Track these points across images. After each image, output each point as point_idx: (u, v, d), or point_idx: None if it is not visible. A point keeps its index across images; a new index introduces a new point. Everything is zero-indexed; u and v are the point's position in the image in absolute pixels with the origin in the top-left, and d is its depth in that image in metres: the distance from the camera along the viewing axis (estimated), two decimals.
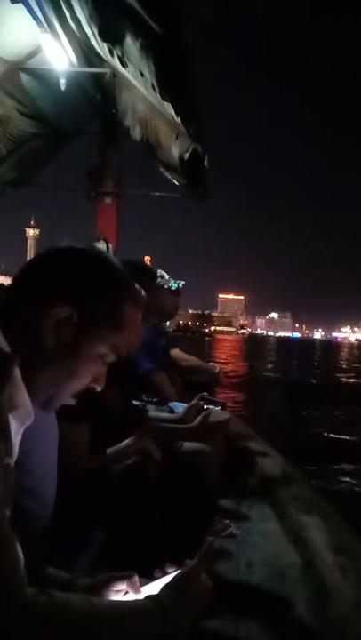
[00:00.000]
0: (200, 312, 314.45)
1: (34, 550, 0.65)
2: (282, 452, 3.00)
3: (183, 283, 2.88)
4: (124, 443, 1.47)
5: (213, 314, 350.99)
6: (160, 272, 2.78)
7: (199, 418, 1.82)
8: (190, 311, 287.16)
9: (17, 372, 0.63)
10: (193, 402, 2.03)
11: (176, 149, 3.86)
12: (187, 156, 3.70)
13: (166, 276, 2.79)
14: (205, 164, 3.76)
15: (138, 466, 1.46)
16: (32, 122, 4.74)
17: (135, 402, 2.06)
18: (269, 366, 27.57)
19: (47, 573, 0.83)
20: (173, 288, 2.81)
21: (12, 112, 4.56)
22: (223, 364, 19.22)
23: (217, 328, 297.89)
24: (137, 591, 0.77)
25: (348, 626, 1.47)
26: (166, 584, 0.73)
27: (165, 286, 2.77)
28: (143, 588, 0.78)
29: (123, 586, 0.78)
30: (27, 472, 0.68)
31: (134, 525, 1.27)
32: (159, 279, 2.73)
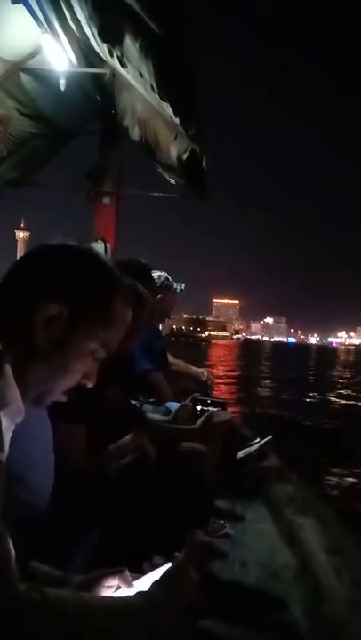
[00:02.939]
0: (194, 317, 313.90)
1: (28, 540, 0.65)
2: (279, 453, 3.00)
3: (184, 285, 2.93)
4: (120, 441, 1.47)
5: (208, 318, 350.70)
6: (165, 274, 2.81)
7: (202, 419, 1.82)
8: (185, 316, 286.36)
9: (8, 368, 0.64)
10: (184, 402, 2.03)
11: (174, 150, 3.88)
12: (185, 156, 3.72)
13: (170, 279, 2.83)
14: (204, 164, 3.77)
15: (135, 465, 1.46)
16: (32, 122, 4.74)
17: (132, 401, 2.06)
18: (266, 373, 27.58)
19: (40, 571, 0.83)
20: (178, 291, 2.86)
21: (12, 112, 4.56)
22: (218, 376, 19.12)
23: (212, 333, 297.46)
24: (129, 585, 0.77)
25: (342, 627, 1.47)
26: (155, 580, 0.73)
27: (172, 288, 2.81)
28: (134, 583, 0.78)
29: (114, 582, 0.78)
30: (13, 459, 0.68)
31: (130, 525, 1.27)
32: (165, 280, 2.77)
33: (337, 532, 2.06)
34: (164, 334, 3.55)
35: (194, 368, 3.42)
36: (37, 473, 0.82)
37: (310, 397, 16.00)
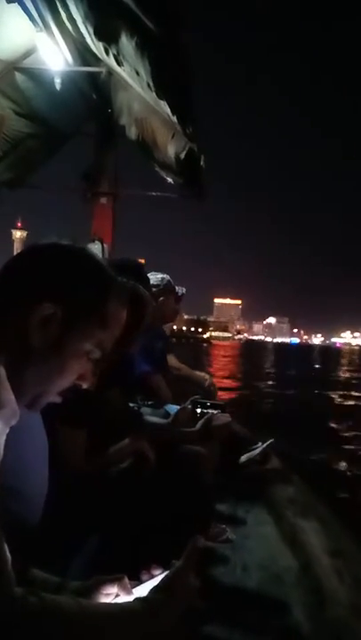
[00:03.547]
0: (195, 317, 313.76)
1: (21, 551, 0.65)
2: (280, 456, 2.99)
3: (185, 289, 2.92)
4: (118, 444, 1.46)
5: (209, 319, 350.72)
6: (168, 277, 2.79)
7: (201, 422, 1.80)
8: (185, 316, 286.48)
9: (2, 370, 0.63)
10: (183, 405, 2.02)
11: (172, 149, 3.86)
12: (183, 155, 3.70)
13: (172, 282, 2.81)
14: (202, 163, 3.75)
15: (134, 469, 1.44)
16: (28, 122, 4.71)
17: (130, 404, 2.04)
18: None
19: (37, 577, 0.82)
20: (179, 295, 2.85)
21: (7, 112, 4.54)
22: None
23: (213, 334, 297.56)
24: (128, 593, 0.77)
25: (344, 629, 1.47)
26: (154, 586, 0.72)
27: (174, 291, 2.80)
28: (133, 591, 0.78)
29: (113, 589, 0.78)
30: (11, 472, 0.67)
31: (130, 529, 1.26)
32: (167, 284, 2.75)
33: (338, 535, 2.06)
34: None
35: (197, 373, 3.45)
36: (30, 485, 0.81)
37: (313, 398, 15.99)
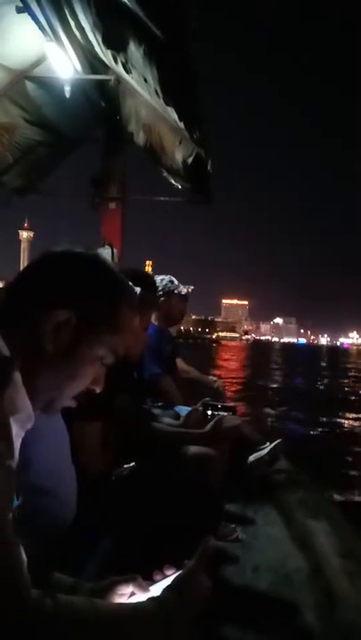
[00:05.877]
0: (203, 318, 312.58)
1: (56, 548, 0.65)
2: (289, 457, 2.99)
3: (192, 288, 2.88)
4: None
5: (217, 319, 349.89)
6: (170, 277, 2.79)
7: (211, 424, 1.82)
8: (193, 317, 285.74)
9: (17, 375, 0.64)
10: (194, 407, 2.03)
11: (180, 154, 3.89)
12: (190, 160, 3.72)
13: (175, 282, 2.80)
14: (209, 168, 3.77)
15: (144, 470, 1.46)
16: (38, 129, 4.77)
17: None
18: None
19: (52, 578, 0.83)
20: (183, 293, 2.82)
21: (18, 120, 4.60)
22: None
23: (220, 334, 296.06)
24: (145, 591, 0.77)
25: (355, 632, 1.46)
26: (167, 586, 0.73)
27: (175, 291, 2.78)
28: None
29: (127, 589, 0.78)
30: (45, 473, 0.69)
31: (141, 530, 1.27)
32: (169, 284, 2.75)
33: (349, 536, 2.04)
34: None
35: (206, 376, 3.46)
36: (63, 483, 0.82)
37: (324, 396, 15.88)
